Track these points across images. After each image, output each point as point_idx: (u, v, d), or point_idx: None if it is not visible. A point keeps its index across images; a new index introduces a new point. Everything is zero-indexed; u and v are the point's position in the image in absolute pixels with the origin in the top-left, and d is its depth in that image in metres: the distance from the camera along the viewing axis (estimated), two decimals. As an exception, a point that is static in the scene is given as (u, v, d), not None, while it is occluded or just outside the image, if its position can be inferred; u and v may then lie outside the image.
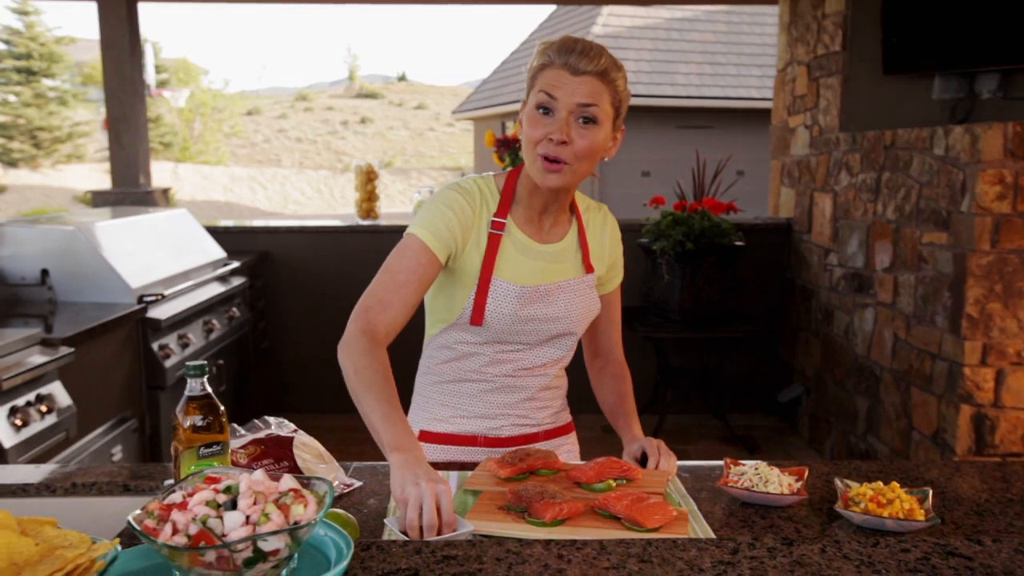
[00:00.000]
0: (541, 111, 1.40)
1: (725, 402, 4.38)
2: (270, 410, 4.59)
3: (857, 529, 1.21)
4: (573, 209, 1.57)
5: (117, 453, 2.81)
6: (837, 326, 3.93)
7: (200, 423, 1.17)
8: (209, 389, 1.19)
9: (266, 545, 0.67)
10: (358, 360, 1.34)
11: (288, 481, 0.75)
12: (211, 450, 1.17)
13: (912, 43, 3.54)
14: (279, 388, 4.63)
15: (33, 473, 1.42)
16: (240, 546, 0.66)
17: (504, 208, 1.49)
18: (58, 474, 1.43)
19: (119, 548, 0.67)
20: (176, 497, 0.72)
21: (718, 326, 4.06)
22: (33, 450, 2.26)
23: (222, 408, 1.20)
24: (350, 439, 3.67)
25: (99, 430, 2.73)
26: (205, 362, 1.19)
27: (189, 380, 1.18)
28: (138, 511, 0.70)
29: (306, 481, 0.78)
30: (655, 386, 4.45)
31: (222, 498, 0.71)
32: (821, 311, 4.12)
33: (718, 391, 4.36)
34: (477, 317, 1.46)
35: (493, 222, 1.48)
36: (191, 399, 1.18)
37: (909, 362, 3.28)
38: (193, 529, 0.67)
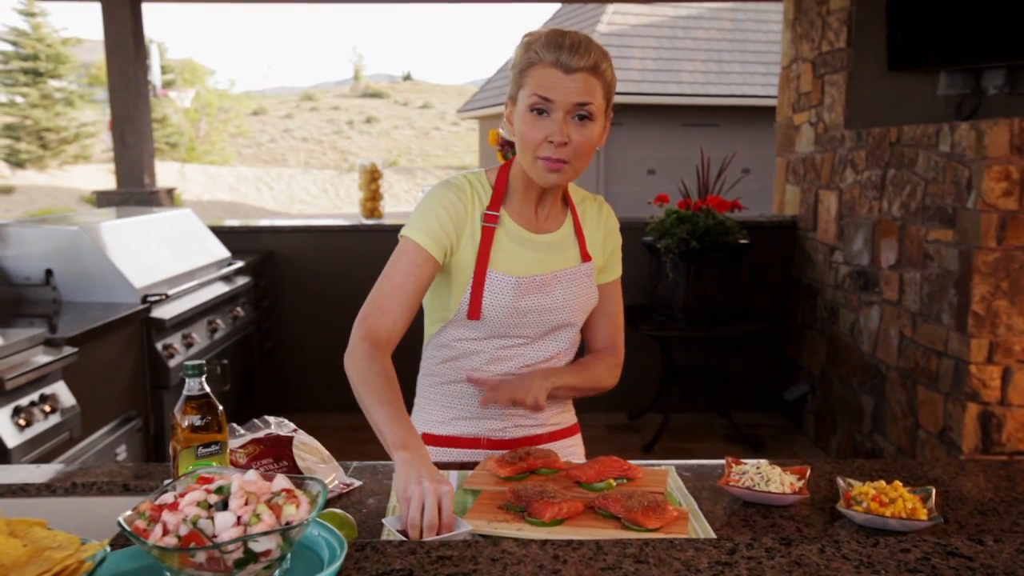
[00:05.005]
0: (535, 112, 1.38)
1: (730, 400, 4.36)
2: (274, 409, 4.59)
3: (859, 528, 1.20)
4: (567, 200, 1.57)
5: (121, 452, 2.82)
6: (842, 324, 3.91)
7: (198, 423, 1.17)
8: (207, 388, 1.19)
9: (257, 546, 0.67)
10: (360, 366, 1.35)
11: (281, 481, 0.75)
12: (209, 450, 1.17)
13: (917, 39, 3.52)
14: (284, 387, 4.64)
15: (34, 473, 1.42)
16: (230, 547, 0.66)
17: (497, 201, 1.49)
18: (59, 474, 1.43)
19: (108, 549, 0.67)
20: (168, 498, 0.72)
21: (723, 324, 4.05)
22: (37, 450, 2.26)
23: (220, 408, 1.19)
24: (354, 438, 3.66)
25: (103, 429, 2.73)
26: (203, 362, 1.19)
27: (187, 380, 1.18)
28: (129, 512, 0.70)
29: (299, 481, 0.78)
30: (660, 384, 4.44)
31: (213, 498, 0.70)
32: (826, 309, 4.10)
33: (723, 389, 4.34)
34: (474, 311, 1.46)
35: (486, 215, 1.47)
36: (189, 399, 1.18)
37: (915, 360, 3.26)
38: (184, 530, 0.66)
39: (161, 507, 0.70)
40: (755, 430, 4.38)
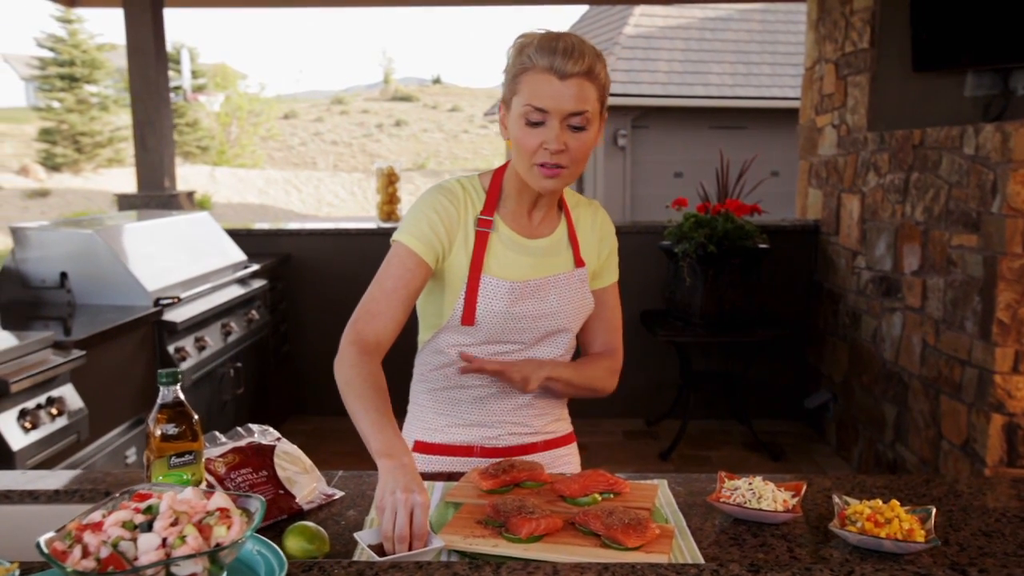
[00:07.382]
0: (531, 123, 1.36)
1: (750, 407, 4.28)
2: (291, 412, 4.60)
3: (853, 550, 1.15)
4: (561, 204, 1.54)
5: (131, 455, 2.83)
6: (864, 331, 3.82)
7: (172, 431, 1.15)
8: (182, 396, 1.17)
9: (179, 570, 0.64)
10: (347, 372, 1.33)
11: (219, 499, 0.72)
12: (183, 460, 1.15)
13: (943, 39, 3.42)
14: (299, 390, 4.64)
15: (19, 479, 1.42)
16: (150, 571, 0.63)
17: (491, 206, 1.47)
18: (45, 481, 1.42)
19: (16, 573, 0.65)
20: (95, 516, 0.69)
21: (741, 330, 3.97)
22: (43, 452, 2.27)
23: (195, 416, 1.17)
24: (366, 443, 3.63)
25: (114, 432, 2.75)
26: (177, 369, 1.17)
27: (161, 388, 1.16)
28: (52, 532, 0.68)
29: (236, 497, 0.75)
30: (678, 391, 4.37)
31: (140, 519, 0.68)
32: (848, 315, 4.00)
33: (742, 396, 4.26)
34: (468, 317, 1.44)
35: (479, 220, 1.45)
36: (163, 407, 1.16)
37: (938, 369, 3.16)
38: (104, 552, 0.64)
39: (86, 527, 0.67)
40: (775, 438, 4.29)
